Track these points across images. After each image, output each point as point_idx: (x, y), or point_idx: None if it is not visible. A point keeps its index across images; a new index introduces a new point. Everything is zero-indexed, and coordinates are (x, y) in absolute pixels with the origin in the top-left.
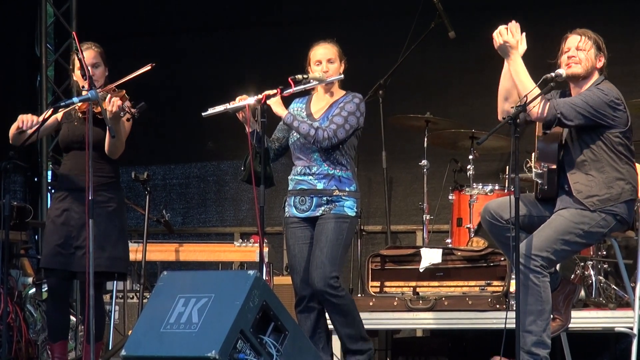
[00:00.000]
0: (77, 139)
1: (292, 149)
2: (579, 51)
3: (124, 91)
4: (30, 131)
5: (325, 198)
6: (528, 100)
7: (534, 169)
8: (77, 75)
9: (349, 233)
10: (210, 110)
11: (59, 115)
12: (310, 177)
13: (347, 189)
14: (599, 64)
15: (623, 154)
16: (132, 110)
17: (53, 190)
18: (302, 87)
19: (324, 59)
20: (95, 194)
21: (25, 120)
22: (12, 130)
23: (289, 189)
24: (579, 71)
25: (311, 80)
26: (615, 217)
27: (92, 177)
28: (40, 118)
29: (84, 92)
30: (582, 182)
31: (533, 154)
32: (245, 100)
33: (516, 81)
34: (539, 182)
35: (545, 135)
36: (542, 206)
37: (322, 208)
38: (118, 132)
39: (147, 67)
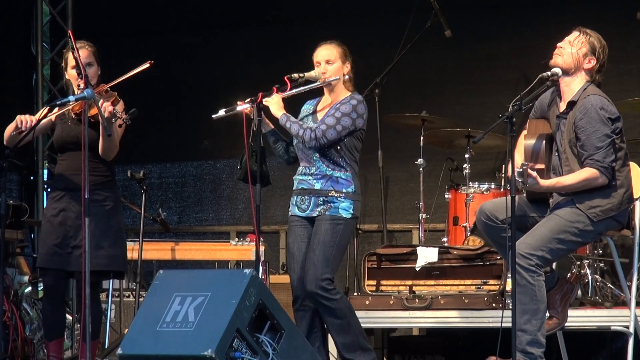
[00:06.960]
0: (72, 140)
1: (295, 149)
2: (569, 45)
3: (116, 94)
4: (25, 131)
5: (322, 198)
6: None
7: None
8: (69, 73)
9: (344, 235)
10: (220, 112)
11: (52, 116)
12: (310, 177)
13: (344, 190)
14: (587, 65)
15: (620, 159)
16: (123, 116)
17: (49, 189)
18: (300, 86)
19: (323, 60)
20: (91, 193)
21: (24, 121)
22: (9, 131)
23: (293, 188)
24: (558, 62)
25: (307, 80)
26: (612, 218)
27: (88, 177)
28: (36, 117)
29: (77, 91)
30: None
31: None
32: (243, 105)
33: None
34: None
35: (530, 132)
36: (535, 207)
37: (319, 209)
38: (113, 132)
39: (146, 65)
